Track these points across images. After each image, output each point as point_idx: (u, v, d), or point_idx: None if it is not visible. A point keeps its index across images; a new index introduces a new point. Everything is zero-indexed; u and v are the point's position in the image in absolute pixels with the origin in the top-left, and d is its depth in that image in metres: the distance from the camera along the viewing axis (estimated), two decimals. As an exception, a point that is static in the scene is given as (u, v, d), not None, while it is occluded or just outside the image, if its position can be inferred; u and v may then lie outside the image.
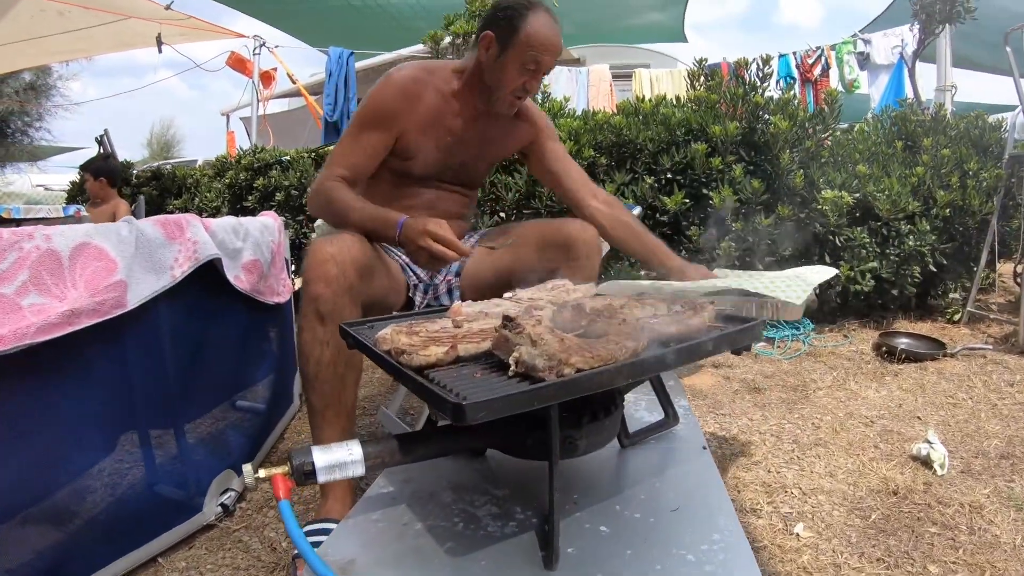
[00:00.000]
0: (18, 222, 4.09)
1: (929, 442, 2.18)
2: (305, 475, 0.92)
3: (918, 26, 5.83)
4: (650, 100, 4.24)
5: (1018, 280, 4.23)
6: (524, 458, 1.08)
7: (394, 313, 1.67)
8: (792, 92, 4.19)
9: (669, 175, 3.86)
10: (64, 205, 4.14)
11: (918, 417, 2.56)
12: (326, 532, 1.49)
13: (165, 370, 1.73)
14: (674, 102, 4.28)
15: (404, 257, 1.93)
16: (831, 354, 3.49)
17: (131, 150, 35.57)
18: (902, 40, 7.48)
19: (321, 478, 0.92)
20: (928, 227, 3.89)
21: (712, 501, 1.13)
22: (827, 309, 4.10)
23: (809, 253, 3.82)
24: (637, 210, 2.49)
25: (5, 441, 1.32)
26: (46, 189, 22.74)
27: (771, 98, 4.04)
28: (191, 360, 1.86)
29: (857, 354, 3.48)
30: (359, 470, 0.94)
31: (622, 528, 1.06)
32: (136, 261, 1.57)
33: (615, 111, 4.27)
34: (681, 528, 1.05)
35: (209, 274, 1.87)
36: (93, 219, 4.77)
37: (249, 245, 2.14)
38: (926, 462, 2.13)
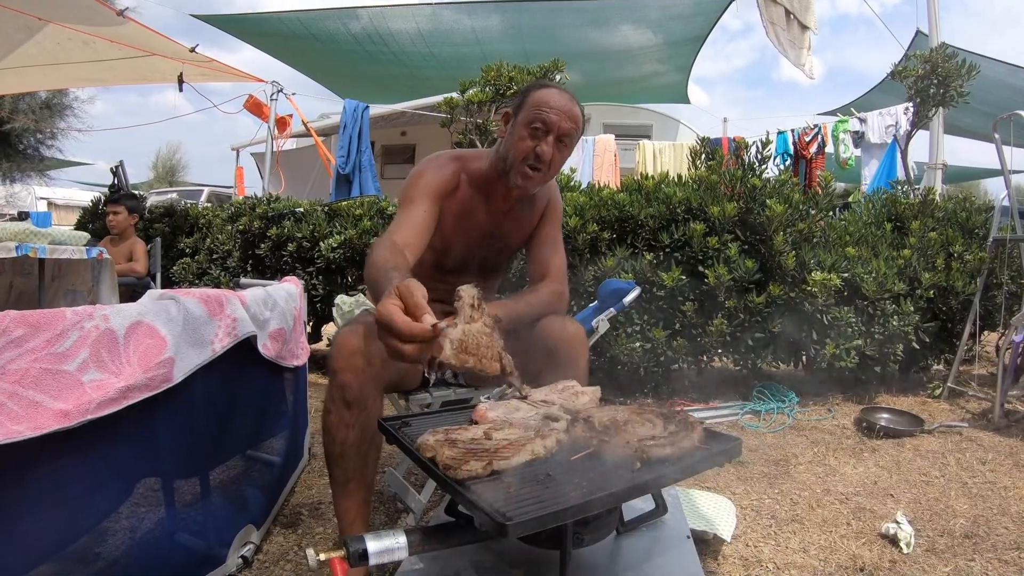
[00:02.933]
0: (41, 262, 4.20)
1: (897, 522, 2.31)
2: (359, 557, 1.08)
3: (912, 108, 6.04)
4: (653, 177, 4.41)
5: (998, 353, 4.39)
6: (539, 547, 1.25)
7: (423, 409, 1.80)
8: (788, 173, 4.35)
9: (668, 251, 4.01)
10: (87, 247, 4.25)
11: (891, 495, 2.69)
12: None
13: (196, 432, 1.84)
14: (676, 180, 4.43)
15: None
16: (814, 428, 3.63)
17: (136, 170, 35.61)
18: (896, 121, 7.67)
19: (373, 561, 1.09)
20: (912, 308, 4.07)
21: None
22: (814, 381, 4.27)
23: (798, 330, 4.00)
24: (637, 291, 2.64)
25: (52, 495, 1.43)
26: (49, 203, 22.70)
27: (768, 180, 4.20)
28: (219, 422, 1.98)
29: (839, 428, 3.62)
30: (403, 554, 1.11)
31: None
32: (183, 338, 1.69)
33: (619, 183, 4.44)
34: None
35: (239, 342, 1.98)
36: (111, 256, 4.86)
37: (276, 315, 2.28)
38: (894, 540, 2.26)
